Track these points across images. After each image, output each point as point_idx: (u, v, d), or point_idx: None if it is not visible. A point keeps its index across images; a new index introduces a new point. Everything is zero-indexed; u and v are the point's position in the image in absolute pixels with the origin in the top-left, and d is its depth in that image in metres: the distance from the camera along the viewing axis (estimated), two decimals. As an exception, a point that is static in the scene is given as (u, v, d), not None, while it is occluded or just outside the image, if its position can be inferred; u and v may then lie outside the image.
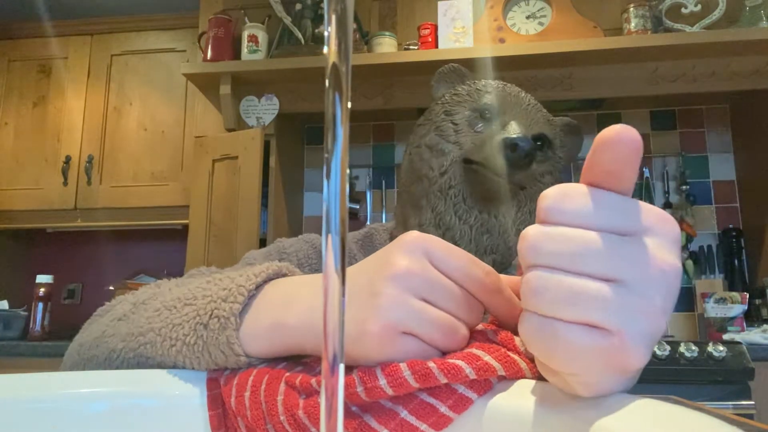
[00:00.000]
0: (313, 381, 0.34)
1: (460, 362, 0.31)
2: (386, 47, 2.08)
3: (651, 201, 2.20)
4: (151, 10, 2.56)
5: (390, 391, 0.31)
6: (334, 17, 0.20)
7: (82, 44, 2.55)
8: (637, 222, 0.26)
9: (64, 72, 2.54)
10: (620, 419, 0.24)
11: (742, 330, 1.77)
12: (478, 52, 1.96)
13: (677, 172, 2.21)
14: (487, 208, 0.66)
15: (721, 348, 1.47)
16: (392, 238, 0.76)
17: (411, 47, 2.08)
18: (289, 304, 0.38)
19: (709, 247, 2.14)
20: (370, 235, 0.78)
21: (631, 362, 0.25)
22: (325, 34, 0.21)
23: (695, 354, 1.47)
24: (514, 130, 0.64)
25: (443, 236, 0.65)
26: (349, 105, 0.21)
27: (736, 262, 2.10)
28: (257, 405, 0.36)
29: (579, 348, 0.25)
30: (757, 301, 1.96)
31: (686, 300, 2.14)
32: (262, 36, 2.15)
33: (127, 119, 2.48)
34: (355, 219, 2.32)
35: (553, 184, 0.68)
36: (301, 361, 0.39)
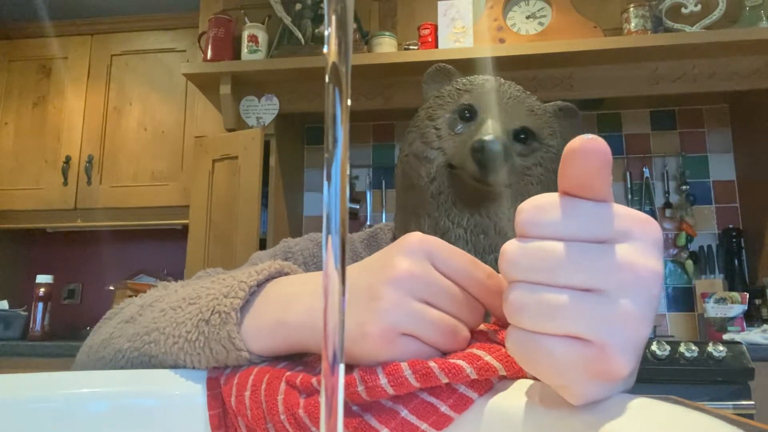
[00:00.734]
0: (313, 380, 0.34)
1: (461, 362, 0.31)
2: (386, 47, 2.08)
3: (651, 201, 2.20)
4: (151, 10, 2.56)
5: (391, 391, 0.31)
6: (334, 17, 0.20)
7: (82, 44, 2.55)
8: (614, 228, 0.26)
9: (64, 72, 2.54)
10: (620, 419, 0.24)
11: (742, 330, 1.77)
12: (478, 52, 1.96)
13: (677, 172, 2.21)
14: (478, 210, 0.66)
15: (721, 348, 1.47)
16: (395, 238, 0.76)
17: (411, 47, 2.08)
18: (290, 303, 0.38)
19: (709, 247, 2.14)
20: (374, 234, 0.78)
21: (615, 370, 0.25)
22: (325, 34, 0.21)
23: (695, 354, 1.47)
24: (486, 130, 0.63)
25: None
26: (349, 104, 0.21)
27: (736, 262, 2.10)
28: (258, 404, 0.36)
29: (563, 360, 0.25)
30: (757, 301, 1.96)
31: (686, 300, 2.14)
32: (262, 36, 2.15)
33: (127, 119, 2.48)
34: (355, 219, 2.32)
35: (544, 176, 0.67)
36: (302, 360, 0.39)
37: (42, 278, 2.24)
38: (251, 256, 0.73)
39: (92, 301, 2.63)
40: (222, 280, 0.42)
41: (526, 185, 0.67)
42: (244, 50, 2.13)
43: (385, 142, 2.42)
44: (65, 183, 2.44)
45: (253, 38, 2.14)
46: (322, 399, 0.20)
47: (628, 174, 2.23)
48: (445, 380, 0.31)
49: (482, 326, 0.37)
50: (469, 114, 0.68)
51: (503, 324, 0.37)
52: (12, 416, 0.37)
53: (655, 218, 2.16)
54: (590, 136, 0.25)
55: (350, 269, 0.36)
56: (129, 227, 2.46)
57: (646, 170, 2.23)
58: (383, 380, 0.31)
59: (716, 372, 1.46)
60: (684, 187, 2.16)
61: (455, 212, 0.66)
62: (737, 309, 1.80)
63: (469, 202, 0.66)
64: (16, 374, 0.39)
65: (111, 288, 2.26)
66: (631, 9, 1.97)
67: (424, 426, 0.32)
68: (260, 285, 0.41)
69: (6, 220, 2.48)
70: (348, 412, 0.33)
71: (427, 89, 0.78)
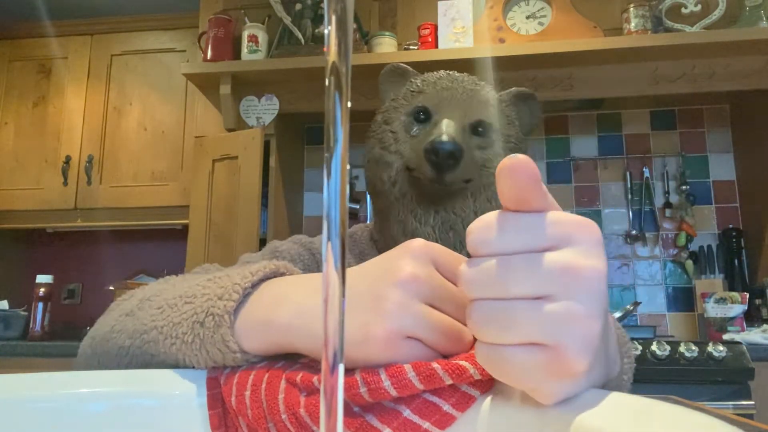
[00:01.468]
0: (314, 379, 0.34)
1: (464, 363, 0.31)
2: (386, 47, 2.08)
3: (651, 201, 2.20)
4: (151, 10, 2.56)
5: (394, 393, 0.31)
6: (334, 17, 0.20)
7: (82, 44, 2.55)
8: (555, 235, 0.27)
9: (64, 72, 2.54)
10: (621, 419, 0.24)
11: (742, 330, 1.77)
12: (478, 52, 1.96)
13: (677, 172, 2.21)
14: (444, 207, 0.66)
15: (721, 348, 1.47)
16: (372, 239, 0.78)
17: (411, 47, 2.08)
18: (279, 304, 0.38)
19: (709, 247, 2.14)
20: (351, 234, 0.79)
21: (573, 368, 0.26)
22: (325, 34, 0.21)
23: (695, 354, 1.47)
24: (438, 131, 0.63)
25: None
26: (349, 105, 0.21)
27: (736, 262, 2.10)
28: (258, 403, 0.36)
29: (526, 366, 0.26)
30: (757, 301, 1.96)
31: (686, 300, 2.14)
32: (262, 36, 2.15)
33: (127, 119, 2.48)
34: (355, 219, 2.32)
35: None
36: (299, 361, 0.39)
37: (42, 278, 2.24)
38: (240, 257, 0.74)
39: (92, 301, 2.63)
40: (218, 279, 0.43)
41: (488, 177, 0.67)
42: (244, 50, 2.13)
43: (385, 142, 2.41)
44: (65, 183, 2.44)
45: (253, 38, 2.14)
46: (322, 399, 0.20)
47: (628, 174, 2.22)
48: (449, 381, 0.31)
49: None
50: (423, 115, 0.69)
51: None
52: (12, 416, 0.37)
53: (656, 218, 2.18)
54: (513, 155, 0.27)
55: (349, 272, 0.36)
56: (129, 227, 2.46)
57: (646, 170, 2.23)
58: (386, 382, 0.31)
59: (716, 372, 1.46)
60: (684, 187, 2.16)
61: (420, 212, 0.67)
62: (737, 309, 1.80)
63: (433, 201, 0.67)
64: (16, 374, 0.39)
65: (111, 288, 2.26)
66: (631, 9, 1.97)
67: (426, 425, 0.32)
68: (254, 285, 0.41)
69: (6, 220, 2.48)
70: (350, 412, 0.33)
71: (384, 90, 0.78)
